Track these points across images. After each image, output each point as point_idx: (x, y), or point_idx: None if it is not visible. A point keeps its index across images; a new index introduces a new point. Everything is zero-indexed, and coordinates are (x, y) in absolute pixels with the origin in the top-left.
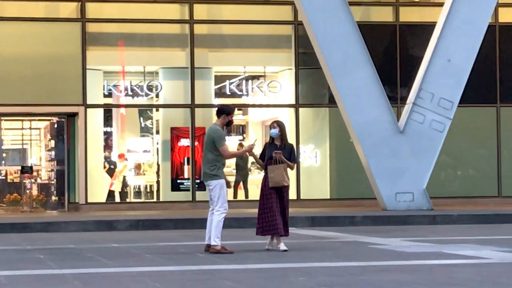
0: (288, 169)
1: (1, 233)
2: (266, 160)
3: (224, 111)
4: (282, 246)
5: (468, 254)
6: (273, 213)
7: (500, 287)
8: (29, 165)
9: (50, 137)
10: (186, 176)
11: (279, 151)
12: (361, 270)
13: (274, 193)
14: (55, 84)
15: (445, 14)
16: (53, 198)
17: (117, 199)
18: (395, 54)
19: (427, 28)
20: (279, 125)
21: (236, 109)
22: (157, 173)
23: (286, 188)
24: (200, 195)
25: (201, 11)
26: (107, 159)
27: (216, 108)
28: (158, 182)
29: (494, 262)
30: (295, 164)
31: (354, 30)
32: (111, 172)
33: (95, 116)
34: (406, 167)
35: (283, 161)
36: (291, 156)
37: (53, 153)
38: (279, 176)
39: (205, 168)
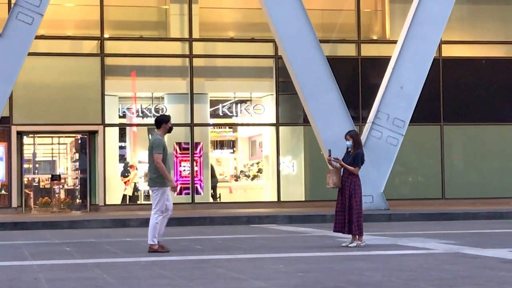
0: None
1: (35, 229)
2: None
3: (163, 120)
4: (351, 244)
5: (418, 246)
6: (335, 212)
7: (443, 273)
8: (58, 173)
9: (75, 151)
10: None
11: (329, 156)
12: (331, 259)
13: (339, 195)
14: (79, 107)
15: (398, 50)
16: (77, 200)
17: (130, 201)
18: (357, 82)
19: (383, 61)
20: (351, 136)
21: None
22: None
23: (348, 190)
24: (198, 198)
25: (199, 47)
26: (126, 167)
27: (155, 121)
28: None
29: (439, 252)
30: (355, 168)
31: (324, 63)
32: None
33: (112, 134)
34: (367, 174)
35: (335, 165)
36: (354, 161)
37: (77, 163)
38: (327, 179)
39: (150, 174)
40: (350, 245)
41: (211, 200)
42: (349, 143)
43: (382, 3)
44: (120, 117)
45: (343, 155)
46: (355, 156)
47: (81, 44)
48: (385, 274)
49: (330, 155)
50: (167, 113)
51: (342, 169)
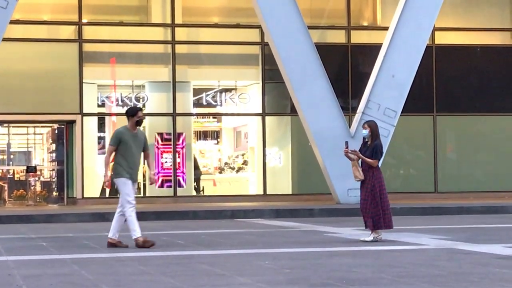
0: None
1: (9, 223)
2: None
3: (128, 114)
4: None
5: (409, 241)
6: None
7: (435, 269)
8: (33, 165)
9: (51, 141)
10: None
11: (346, 149)
12: (318, 255)
13: (362, 188)
14: (56, 95)
15: (389, 37)
16: (54, 193)
17: (109, 194)
18: (347, 70)
19: (374, 48)
20: (370, 125)
21: (141, 109)
22: (144, 172)
23: (370, 183)
24: (180, 191)
25: (181, 33)
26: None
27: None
28: (144, 179)
29: (430, 248)
30: (374, 160)
31: (312, 50)
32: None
33: (90, 123)
34: None
35: (353, 158)
36: (372, 153)
37: (54, 155)
38: (353, 172)
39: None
40: (367, 239)
41: (194, 193)
42: (366, 132)
43: None
44: (99, 106)
45: (360, 146)
46: (373, 148)
47: (58, 29)
48: (374, 270)
49: (347, 147)
50: (148, 103)
51: (360, 161)
